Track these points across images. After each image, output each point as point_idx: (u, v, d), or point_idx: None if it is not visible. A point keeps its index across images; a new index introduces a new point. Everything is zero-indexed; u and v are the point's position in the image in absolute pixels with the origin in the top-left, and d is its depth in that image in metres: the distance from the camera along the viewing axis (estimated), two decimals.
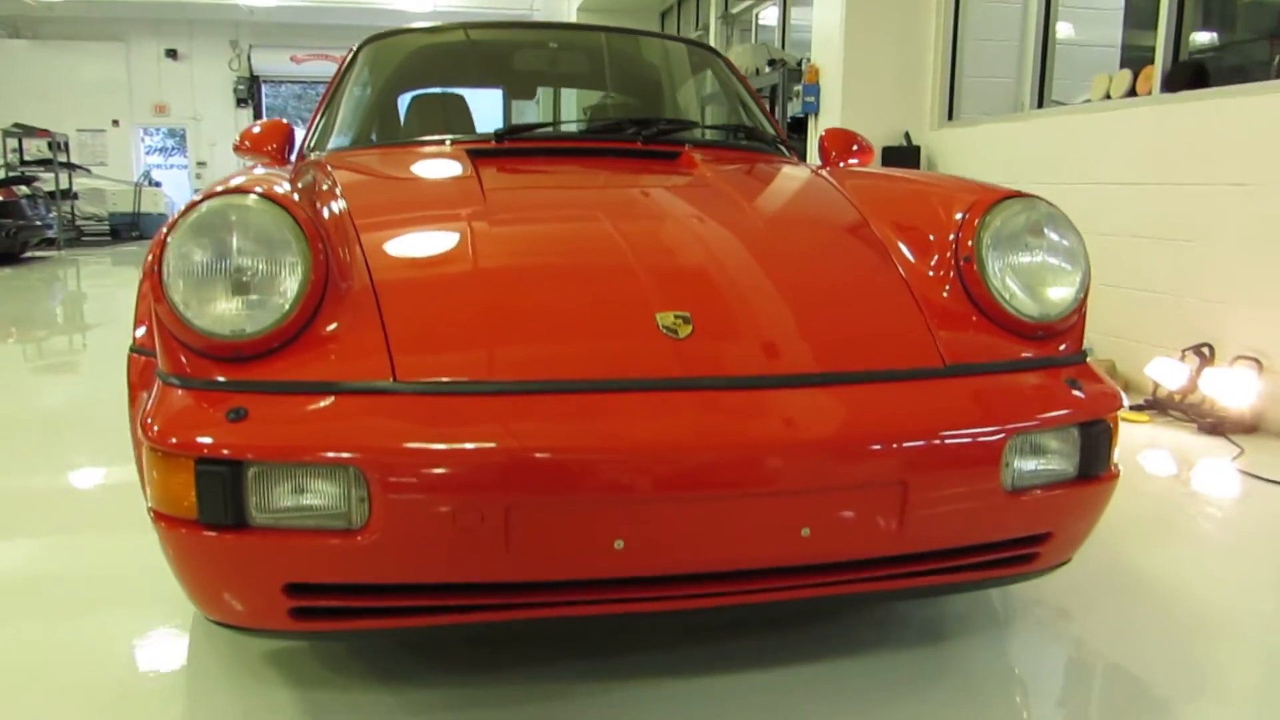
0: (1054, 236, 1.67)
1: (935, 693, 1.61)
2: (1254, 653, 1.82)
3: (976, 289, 1.64)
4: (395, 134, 2.75)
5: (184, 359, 1.38)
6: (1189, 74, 3.90)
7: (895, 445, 1.37)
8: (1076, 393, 1.54)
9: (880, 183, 2.06)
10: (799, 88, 6.19)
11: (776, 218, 1.95)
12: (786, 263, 1.73)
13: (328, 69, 16.02)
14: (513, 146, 2.42)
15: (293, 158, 2.67)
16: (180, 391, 1.36)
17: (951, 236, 1.70)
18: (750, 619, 1.83)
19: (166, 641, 1.79)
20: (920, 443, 1.38)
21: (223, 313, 1.38)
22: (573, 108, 4.05)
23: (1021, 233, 1.67)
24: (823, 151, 3.03)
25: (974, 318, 1.63)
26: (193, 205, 1.42)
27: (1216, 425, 3.43)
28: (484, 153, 2.31)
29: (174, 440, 1.28)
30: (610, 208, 1.92)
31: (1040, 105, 4.99)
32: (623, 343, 1.44)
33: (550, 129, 2.62)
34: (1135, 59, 4.53)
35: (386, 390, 1.33)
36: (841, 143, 2.99)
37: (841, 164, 2.86)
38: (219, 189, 1.45)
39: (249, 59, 17.82)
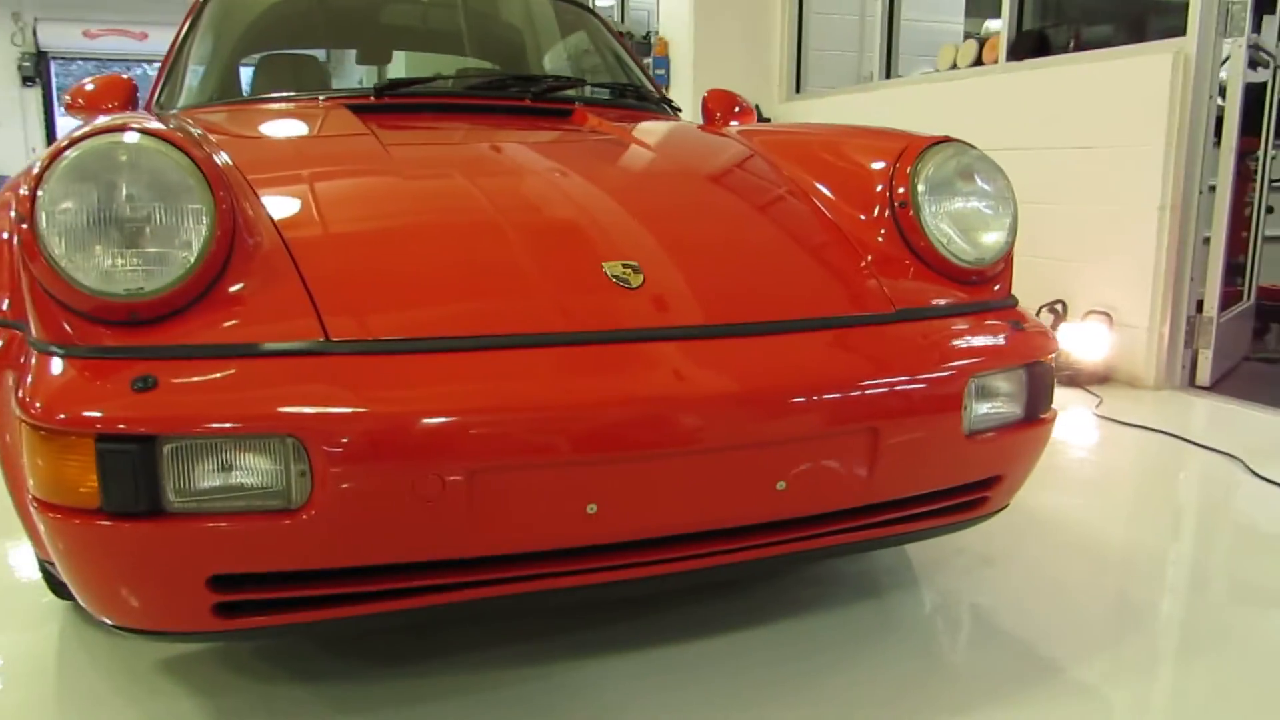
0: (984, 181, 1.66)
1: (884, 648, 1.59)
2: (1157, 577, 1.91)
3: (913, 235, 1.62)
4: (257, 91, 2.51)
5: (67, 324, 1.18)
6: (1033, 43, 4.08)
7: (866, 391, 1.32)
8: (1019, 335, 1.54)
9: (791, 137, 2.01)
10: (648, 61, 6.15)
11: (697, 172, 1.87)
12: (719, 215, 1.66)
13: (127, 45, 14.85)
14: (393, 103, 2.25)
15: None
16: (64, 361, 1.15)
17: (879, 186, 1.68)
18: (698, 586, 1.76)
19: (29, 656, 1.56)
20: (887, 388, 1.34)
21: (114, 268, 1.18)
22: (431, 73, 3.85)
23: (954, 177, 1.65)
24: (706, 112, 3.00)
25: (911, 264, 1.61)
26: (63, 148, 1.21)
27: (1073, 377, 3.62)
28: (365, 109, 2.13)
29: (64, 416, 1.08)
30: (527, 162, 1.80)
31: (888, 77, 5.14)
32: (576, 294, 1.33)
33: (434, 85, 2.44)
34: (976, 34, 4.70)
35: (321, 350, 1.17)
36: (725, 104, 2.97)
37: (726, 125, 2.83)
38: (88, 131, 1.24)
39: (34, 33, 16.26)
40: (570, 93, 2.50)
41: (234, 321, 1.21)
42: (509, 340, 1.23)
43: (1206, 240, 3.53)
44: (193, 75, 2.47)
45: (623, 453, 1.19)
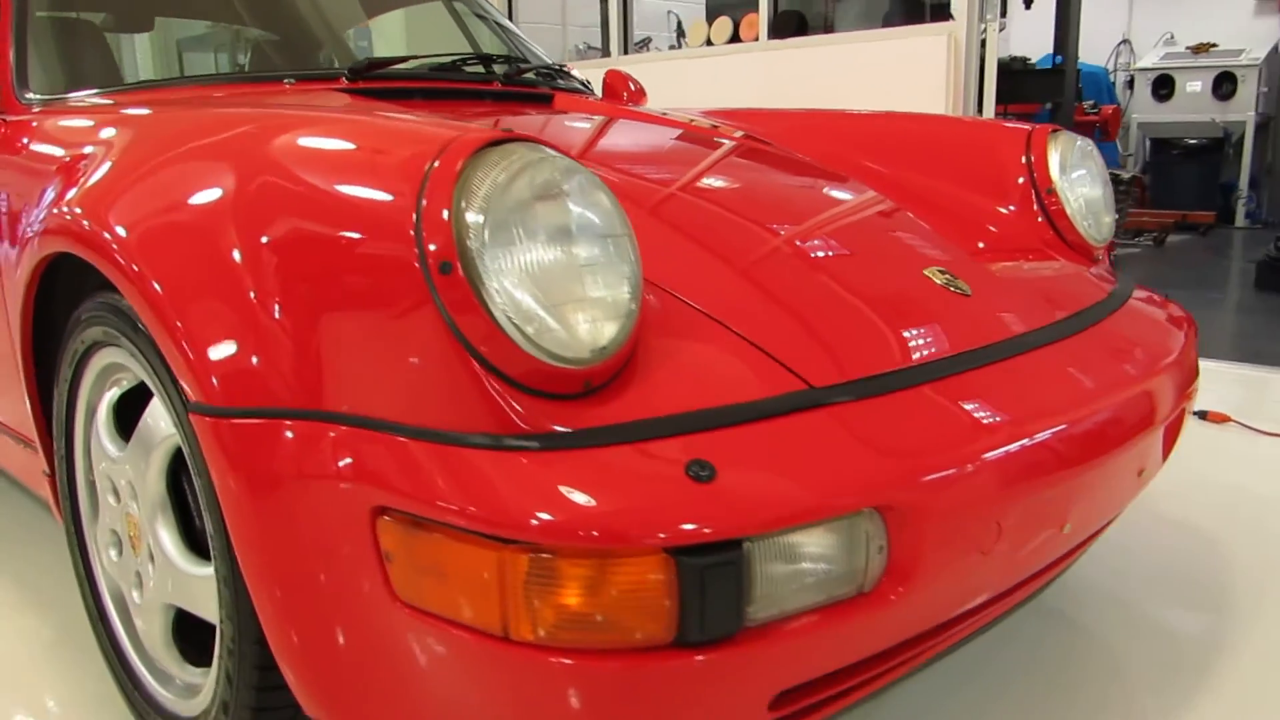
0: (1095, 163, 1.80)
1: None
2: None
3: (1061, 221, 1.71)
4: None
5: (514, 403, 0.90)
6: (793, 22, 4.36)
7: (1179, 373, 1.40)
8: (1169, 302, 1.70)
9: (860, 125, 2.01)
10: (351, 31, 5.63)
11: (840, 175, 1.81)
12: (911, 214, 1.64)
13: None
14: (366, 87, 1.90)
15: None
16: (532, 453, 0.88)
17: (1021, 178, 1.75)
18: None
19: None
20: (1180, 369, 1.43)
21: (572, 324, 0.92)
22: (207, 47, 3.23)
23: (1078, 162, 1.77)
24: (608, 90, 2.87)
25: (1064, 249, 1.71)
26: (462, 156, 0.91)
27: None
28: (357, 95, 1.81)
29: (603, 531, 0.83)
30: (749, 172, 1.66)
31: (625, 52, 5.19)
32: (945, 306, 1.26)
33: (410, 67, 2.07)
34: (719, 8, 4.91)
35: (822, 401, 1.00)
36: (623, 84, 2.87)
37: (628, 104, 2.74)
38: (480, 137, 0.94)
39: None
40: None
41: (690, 382, 0.99)
42: (964, 361, 1.15)
43: None
44: (57, 55, 1.87)
45: (1090, 463, 1.16)
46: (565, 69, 2.47)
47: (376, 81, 1.93)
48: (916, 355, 1.14)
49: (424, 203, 0.89)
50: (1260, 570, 1.83)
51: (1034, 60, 5.82)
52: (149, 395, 1.27)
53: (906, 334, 1.18)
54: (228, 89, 1.81)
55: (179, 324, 1.02)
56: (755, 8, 4.54)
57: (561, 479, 0.86)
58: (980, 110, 3.94)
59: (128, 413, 1.32)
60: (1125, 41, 9.26)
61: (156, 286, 1.05)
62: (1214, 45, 8.30)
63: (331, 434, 0.95)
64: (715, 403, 0.97)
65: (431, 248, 0.88)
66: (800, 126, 2.02)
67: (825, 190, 1.62)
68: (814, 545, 0.92)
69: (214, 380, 1.00)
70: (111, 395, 1.35)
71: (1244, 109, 8.00)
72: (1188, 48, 8.36)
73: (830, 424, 0.98)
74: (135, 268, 1.07)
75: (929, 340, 1.19)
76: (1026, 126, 1.83)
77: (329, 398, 0.96)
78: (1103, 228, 1.76)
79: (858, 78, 4.05)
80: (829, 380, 1.04)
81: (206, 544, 1.17)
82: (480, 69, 2.19)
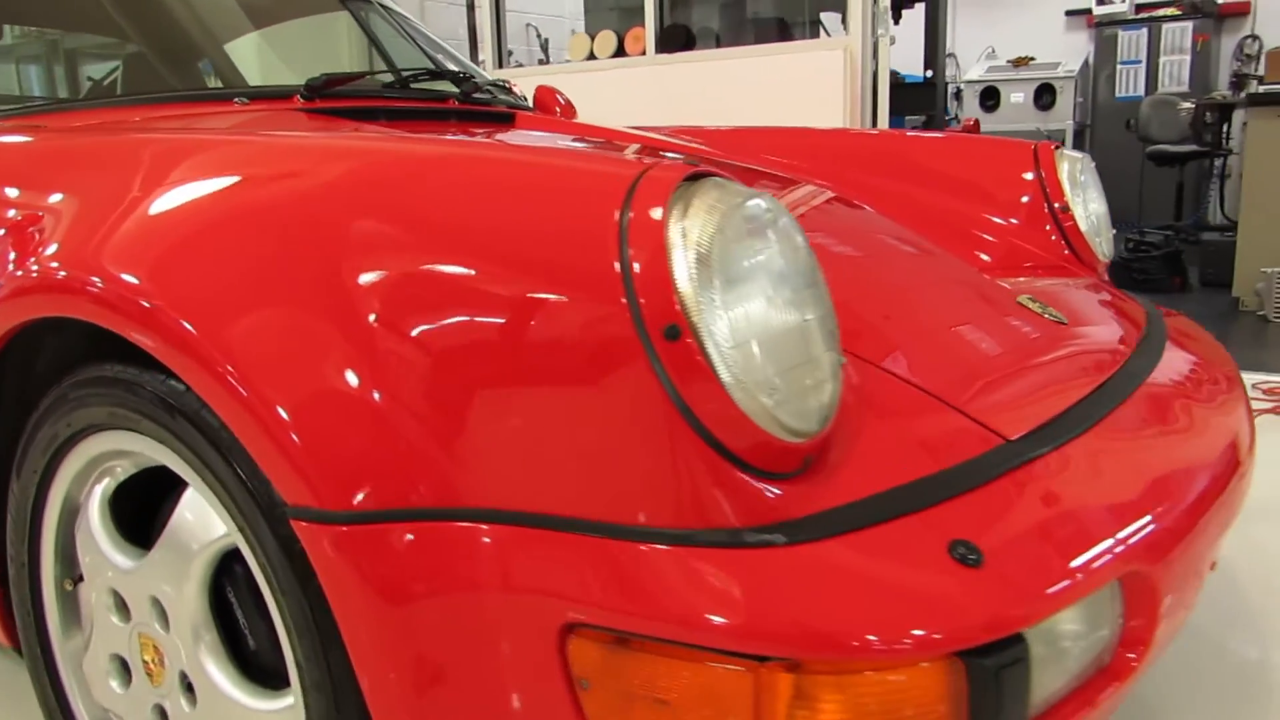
0: (1095, 179, 1.80)
1: None
2: None
3: (1075, 237, 1.70)
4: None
5: (743, 489, 0.76)
6: (681, 36, 4.30)
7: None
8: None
9: (861, 143, 1.94)
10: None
11: (857, 201, 1.73)
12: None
13: None
14: (325, 106, 1.69)
15: None
16: (781, 553, 0.74)
17: (1026, 197, 1.72)
18: None
19: None
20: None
21: (807, 389, 0.79)
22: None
23: (1081, 179, 1.76)
24: (538, 106, 2.71)
25: (1078, 265, 1.70)
26: (664, 197, 0.76)
27: None
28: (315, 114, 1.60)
29: (911, 632, 0.71)
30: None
31: (500, 66, 4.99)
32: (1055, 340, 1.20)
33: (365, 84, 1.84)
34: (600, 25, 4.80)
35: (1025, 455, 0.91)
36: (553, 99, 2.71)
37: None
38: (663, 173, 0.78)
39: None
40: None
41: (894, 445, 0.88)
42: (1108, 396, 1.08)
43: None
44: None
45: (1235, 490, 1.11)
46: (509, 85, 2.30)
47: (335, 100, 1.71)
48: (1070, 394, 1.06)
49: (631, 253, 0.73)
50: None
51: (901, 75, 6.01)
52: (166, 486, 1.04)
53: (1049, 372, 1.11)
54: (171, 109, 1.55)
55: (276, 410, 0.81)
56: (631, 21, 4.47)
57: (819, 576, 0.73)
58: (875, 123, 3.99)
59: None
60: (951, 55, 9.75)
61: (235, 365, 0.83)
62: (1032, 58, 8.86)
63: (497, 536, 0.78)
64: (931, 468, 0.85)
65: (649, 308, 0.72)
66: (799, 146, 1.93)
67: (887, 232, 1.53)
68: (1071, 623, 0.82)
69: (328, 478, 0.80)
70: (104, 489, 1.10)
71: (1063, 118, 8.57)
72: (1009, 61, 8.88)
73: (1050, 483, 0.88)
74: (202, 341, 0.85)
75: (1068, 376, 1.11)
76: (1029, 142, 1.81)
77: (490, 492, 0.79)
78: (1108, 244, 1.75)
79: (753, 92, 4.03)
80: (1017, 431, 0.94)
81: (263, 668, 0.97)
82: (430, 85, 1.99)
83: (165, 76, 1.84)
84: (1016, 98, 8.82)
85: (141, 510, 1.13)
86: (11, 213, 1.13)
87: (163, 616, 1.03)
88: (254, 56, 2.41)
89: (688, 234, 0.74)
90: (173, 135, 1.12)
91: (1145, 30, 8.20)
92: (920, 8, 4.96)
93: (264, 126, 1.51)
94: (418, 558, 0.79)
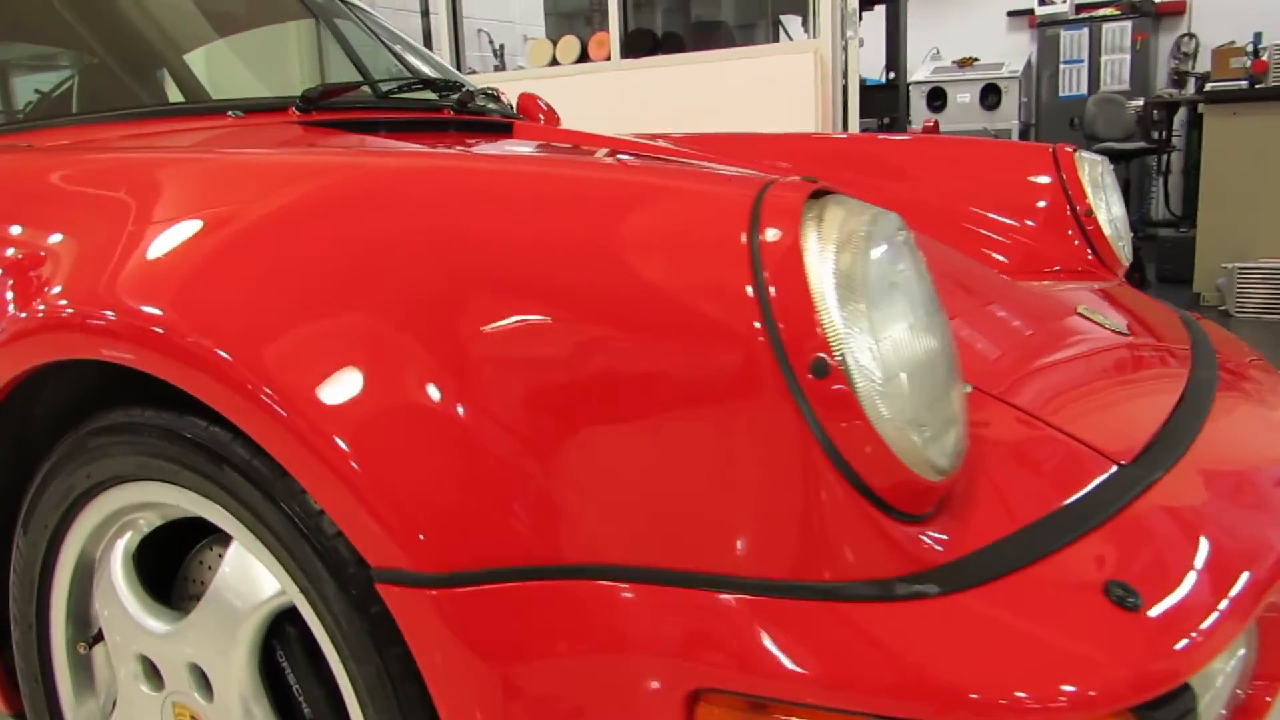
0: (1114, 181, 1.78)
1: None
2: None
3: (1099, 241, 1.67)
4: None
5: (888, 534, 0.70)
6: (647, 41, 4.24)
7: None
8: None
9: (888, 151, 1.89)
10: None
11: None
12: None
13: None
14: (322, 119, 1.60)
15: None
16: (936, 604, 0.68)
17: (1042, 201, 1.69)
18: None
19: None
20: None
21: (948, 425, 0.73)
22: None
23: (1102, 181, 1.74)
24: (523, 113, 2.62)
25: (1101, 269, 1.67)
26: (793, 219, 0.69)
27: None
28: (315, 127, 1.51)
29: (1090, 686, 0.65)
30: None
31: (459, 69, 4.88)
32: (1125, 351, 1.16)
33: (360, 94, 1.74)
34: (561, 30, 4.72)
35: (1143, 481, 0.86)
36: (536, 107, 2.63)
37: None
38: (785, 193, 0.72)
39: None
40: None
41: (1015, 476, 0.83)
42: (1191, 409, 1.04)
43: None
44: None
45: None
46: (498, 93, 2.22)
47: (331, 112, 1.62)
48: (1158, 410, 1.02)
49: (766, 280, 0.67)
50: None
51: (862, 78, 6.02)
52: (185, 535, 0.95)
53: (1131, 387, 1.06)
54: (164, 124, 1.44)
55: (357, 461, 0.73)
56: (593, 27, 4.40)
57: (979, 629, 0.67)
58: (846, 126, 3.97)
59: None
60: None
61: (305, 411, 0.75)
62: (976, 59, 8.97)
63: (614, 595, 0.71)
64: (1055, 500, 0.80)
65: (792, 341, 0.66)
66: (803, 151, 1.88)
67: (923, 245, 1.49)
68: (1220, 661, 0.77)
69: (421, 536, 0.72)
70: (127, 544, 1.00)
71: (1009, 118, 8.69)
72: (954, 62, 8.99)
73: (1175, 509, 0.83)
74: (263, 383, 0.76)
75: (1149, 390, 1.07)
76: (1045, 145, 1.78)
77: (607, 546, 0.71)
78: (1129, 247, 1.73)
79: (722, 96, 3.98)
80: (1125, 454, 0.89)
81: None
82: (426, 95, 1.90)
83: (148, 89, 1.72)
84: (963, 98, 8.93)
85: (158, 561, 1.04)
86: (8, 248, 1.02)
87: (204, 684, 0.94)
88: (236, 66, 2.30)
89: (825, 256, 0.68)
90: (189, 154, 1.02)
91: (1086, 30, 8.35)
92: (879, 10, 4.97)
93: (268, 141, 1.41)
94: (527, 619, 0.71)
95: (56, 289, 0.93)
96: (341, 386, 0.75)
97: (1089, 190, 1.68)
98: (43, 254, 0.98)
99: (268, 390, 0.76)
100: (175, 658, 0.95)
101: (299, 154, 0.98)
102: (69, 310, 0.89)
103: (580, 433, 0.71)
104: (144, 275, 0.86)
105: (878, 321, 0.68)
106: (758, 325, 0.66)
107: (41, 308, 0.92)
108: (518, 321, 0.73)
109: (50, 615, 1.07)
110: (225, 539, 1.02)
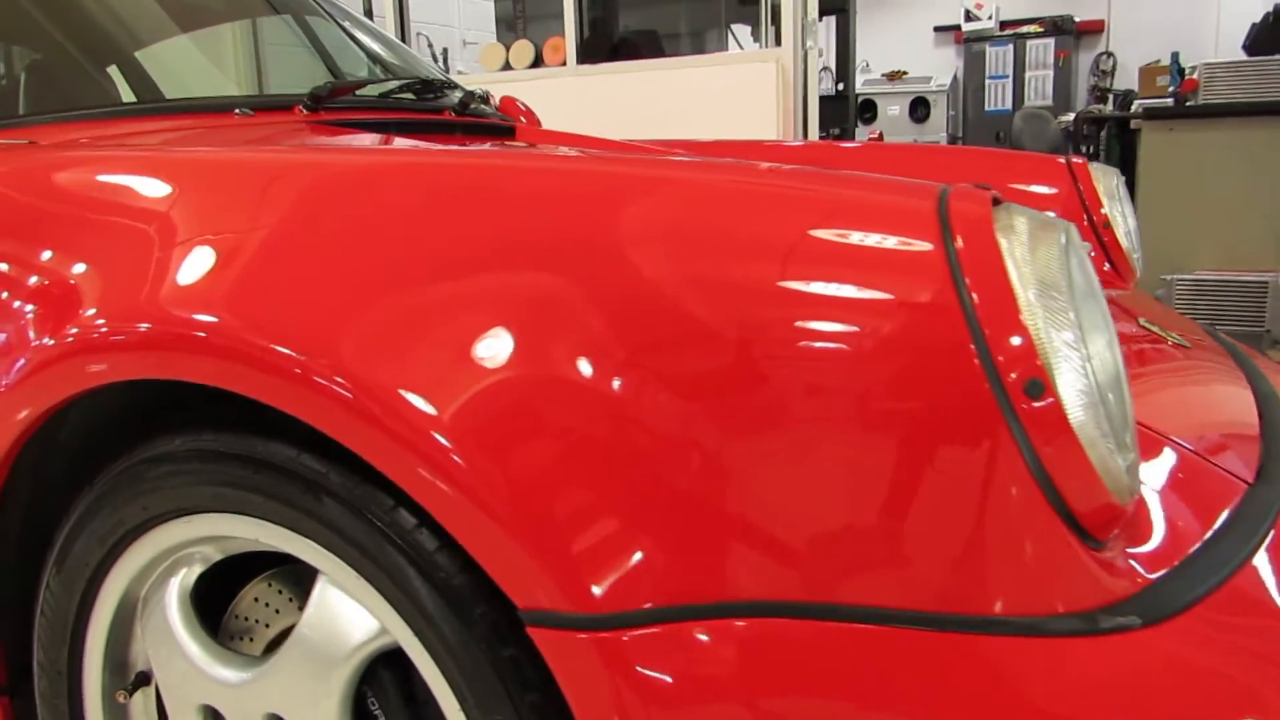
0: (1127, 195, 1.79)
1: None
2: None
3: (1115, 252, 1.68)
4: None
5: (1087, 564, 0.66)
6: (605, 46, 4.19)
7: None
8: None
9: (903, 159, 1.87)
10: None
11: None
12: None
13: None
14: (331, 118, 1.52)
15: None
16: (1139, 637, 0.65)
17: (1052, 211, 1.69)
18: None
19: None
20: None
21: (1134, 444, 0.70)
22: None
23: (1120, 194, 1.75)
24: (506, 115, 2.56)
25: (1117, 280, 1.68)
26: (986, 230, 0.65)
27: None
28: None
29: None
30: None
31: None
32: (1199, 364, 1.15)
33: (373, 93, 1.65)
34: (512, 35, 4.63)
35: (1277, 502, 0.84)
36: (517, 109, 2.56)
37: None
38: (975, 204, 0.68)
39: None
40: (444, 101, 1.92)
41: (1162, 498, 0.80)
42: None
43: None
44: None
45: None
46: (488, 95, 2.14)
47: (338, 112, 1.53)
48: (1248, 424, 1.01)
49: (973, 299, 0.62)
50: None
51: None
52: (248, 570, 0.87)
53: (1215, 401, 1.06)
54: (172, 120, 1.34)
55: (506, 489, 0.66)
56: (547, 31, 4.34)
57: (1187, 660, 0.64)
58: (806, 134, 3.98)
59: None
60: (826, 69, 10.00)
61: (444, 434, 0.68)
62: (905, 73, 9.16)
63: (795, 632, 0.66)
64: (1208, 520, 0.78)
65: (1006, 362, 0.62)
66: (825, 161, 1.85)
67: None
68: None
69: (580, 574, 0.66)
70: (183, 582, 0.91)
71: (937, 130, 8.89)
72: (883, 74, 9.16)
73: None
74: (390, 412, 0.69)
75: (1230, 403, 1.07)
76: (1057, 157, 1.79)
77: (779, 582, 0.66)
78: (1141, 258, 1.75)
79: (681, 104, 3.96)
80: (1248, 472, 0.88)
81: None
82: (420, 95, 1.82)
83: (146, 85, 1.61)
84: (892, 110, 9.10)
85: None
86: (40, 261, 0.92)
87: None
88: (180, 63, 2.17)
89: (1025, 269, 0.64)
90: (256, 152, 0.94)
91: (1011, 47, 8.60)
92: (827, 21, 5.00)
93: (285, 139, 1.32)
94: (700, 662, 0.65)
95: (117, 303, 0.83)
96: (481, 409, 0.68)
97: (1105, 201, 1.69)
98: (85, 267, 0.88)
99: (395, 415, 0.69)
100: (251, 708, 0.86)
101: (388, 153, 0.91)
102: (143, 326, 0.80)
103: (758, 457, 0.66)
104: (230, 285, 0.78)
105: (1085, 338, 0.65)
106: (970, 346, 0.62)
107: (102, 324, 0.83)
108: (684, 336, 0.67)
109: (84, 662, 0.96)
110: (288, 574, 0.94)
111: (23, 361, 0.87)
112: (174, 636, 0.90)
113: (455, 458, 0.67)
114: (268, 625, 0.96)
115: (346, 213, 0.78)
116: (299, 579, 0.96)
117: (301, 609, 0.94)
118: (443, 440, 0.68)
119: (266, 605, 0.96)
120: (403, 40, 4.77)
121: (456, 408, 0.68)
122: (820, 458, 0.65)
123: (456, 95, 1.82)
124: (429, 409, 0.69)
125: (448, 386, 0.69)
